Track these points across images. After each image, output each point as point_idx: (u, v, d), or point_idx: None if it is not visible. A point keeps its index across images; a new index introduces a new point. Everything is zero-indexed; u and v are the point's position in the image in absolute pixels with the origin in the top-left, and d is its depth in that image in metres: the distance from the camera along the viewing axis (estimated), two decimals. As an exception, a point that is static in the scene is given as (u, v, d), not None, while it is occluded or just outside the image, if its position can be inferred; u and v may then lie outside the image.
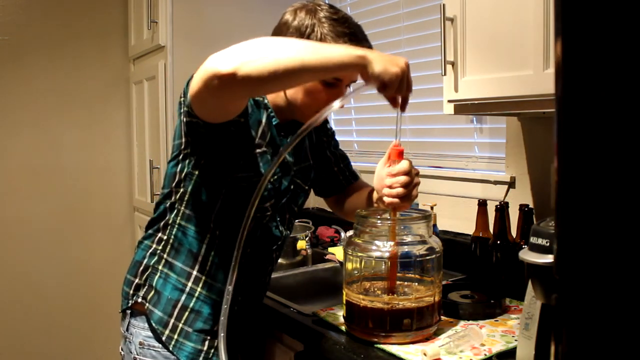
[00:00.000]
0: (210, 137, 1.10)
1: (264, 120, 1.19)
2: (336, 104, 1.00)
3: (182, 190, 1.22)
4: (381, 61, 0.99)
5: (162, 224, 1.25)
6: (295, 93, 1.18)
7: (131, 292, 1.26)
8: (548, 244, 0.83)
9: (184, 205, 1.22)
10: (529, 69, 1.15)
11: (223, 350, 0.98)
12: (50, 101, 2.54)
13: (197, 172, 1.18)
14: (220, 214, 1.20)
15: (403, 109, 1.08)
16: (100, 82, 2.63)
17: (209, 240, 1.21)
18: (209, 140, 1.11)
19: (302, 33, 1.15)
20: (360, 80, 1.05)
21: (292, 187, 1.29)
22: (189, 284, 1.22)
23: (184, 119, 1.11)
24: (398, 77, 1.00)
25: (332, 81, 1.15)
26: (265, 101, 1.21)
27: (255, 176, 1.16)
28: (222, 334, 0.98)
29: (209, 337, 1.23)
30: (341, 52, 0.98)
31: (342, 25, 1.15)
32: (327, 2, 1.25)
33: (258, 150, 1.17)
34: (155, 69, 2.25)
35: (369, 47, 1.18)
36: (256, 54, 0.92)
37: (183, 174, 1.21)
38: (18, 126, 2.49)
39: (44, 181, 2.55)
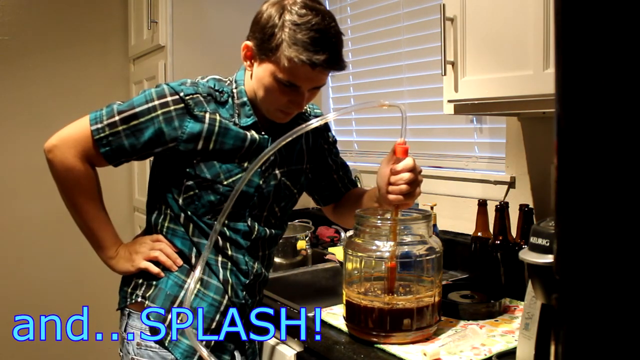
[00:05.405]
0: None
1: (205, 129, 1.17)
2: (314, 122, 1.06)
3: (162, 194, 1.28)
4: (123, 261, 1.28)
5: (154, 224, 1.31)
6: (257, 87, 1.17)
7: (130, 290, 1.27)
8: (548, 244, 0.83)
9: (168, 209, 1.27)
10: (529, 69, 1.15)
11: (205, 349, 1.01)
12: (50, 101, 2.54)
13: (160, 178, 1.28)
14: (196, 215, 1.23)
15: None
16: (101, 82, 2.63)
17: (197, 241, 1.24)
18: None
19: (264, 33, 1.11)
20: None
21: (260, 189, 1.25)
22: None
23: None
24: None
25: (288, 83, 1.12)
26: (225, 106, 1.21)
27: (204, 182, 1.19)
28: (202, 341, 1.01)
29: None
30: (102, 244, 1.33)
31: (302, 31, 1.07)
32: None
33: (199, 159, 1.19)
34: (155, 69, 2.25)
35: (329, 57, 1.09)
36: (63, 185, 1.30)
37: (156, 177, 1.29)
38: (18, 126, 2.49)
39: (44, 181, 2.52)
